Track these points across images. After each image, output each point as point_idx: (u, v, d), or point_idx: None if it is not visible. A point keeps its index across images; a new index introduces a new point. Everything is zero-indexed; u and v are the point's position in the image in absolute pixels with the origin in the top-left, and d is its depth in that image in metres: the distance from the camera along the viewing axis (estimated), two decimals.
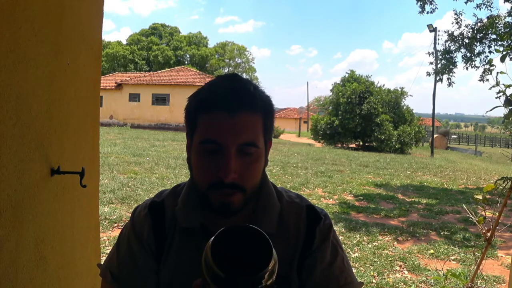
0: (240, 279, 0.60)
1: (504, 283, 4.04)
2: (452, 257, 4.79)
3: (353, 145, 24.52)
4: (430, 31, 21.03)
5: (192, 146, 0.89)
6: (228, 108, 0.81)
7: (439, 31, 17.36)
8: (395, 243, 5.28)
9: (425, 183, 10.45)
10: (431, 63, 13.86)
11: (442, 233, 5.82)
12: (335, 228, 1.00)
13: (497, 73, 2.33)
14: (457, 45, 11.46)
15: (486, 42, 11.16)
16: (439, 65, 12.40)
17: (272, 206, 0.94)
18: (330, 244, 0.95)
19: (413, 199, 8.19)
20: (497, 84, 2.33)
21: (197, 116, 0.85)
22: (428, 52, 13.66)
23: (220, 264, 0.61)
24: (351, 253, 4.77)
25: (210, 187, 0.83)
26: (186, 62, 47.19)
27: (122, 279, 0.96)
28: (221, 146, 0.82)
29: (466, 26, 11.24)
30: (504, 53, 2.55)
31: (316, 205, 1.01)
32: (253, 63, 61.18)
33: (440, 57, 12.23)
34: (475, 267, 2.53)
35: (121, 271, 0.97)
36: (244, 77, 0.94)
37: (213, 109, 0.82)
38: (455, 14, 11.26)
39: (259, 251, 0.63)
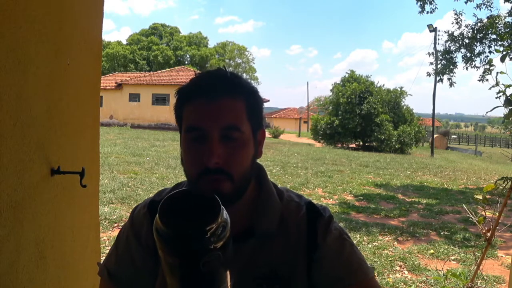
0: (186, 234, 0.62)
1: (504, 283, 4.04)
2: (452, 257, 4.79)
3: (353, 145, 24.52)
4: (430, 31, 21.04)
5: (181, 142, 0.89)
6: (207, 95, 0.83)
7: (439, 31, 17.35)
8: (395, 243, 5.29)
9: (425, 183, 10.45)
10: (431, 63, 13.88)
11: (442, 233, 5.83)
12: None
13: (497, 73, 2.32)
14: (457, 45, 11.46)
15: (486, 42, 11.16)
16: (439, 65, 12.40)
17: (272, 205, 0.94)
18: (334, 234, 0.94)
19: (413, 199, 8.19)
20: (497, 84, 2.33)
21: (182, 109, 0.87)
22: (428, 52, 13.68)
23: (168, 224, 0.63)
24: None
25: (198, 178, 0.83)
26: (186, 62, 47.19)
27: (119, 278, 0.96)
28: (204, 132, 0.82)
29: (466, 26, 11.24)
30: (504, 53, 2.55)
31: None
32: (253, 63, 61.14)
33: (440, 57, 12.23)
34: (475, 267, 2.53)
35: (118, 269, 0.97)
36: (243, 76, 0.93)
37: (194, 98, 0.84)
38: (455, 14, 11.27)
39: (208, 212, 0.65)
